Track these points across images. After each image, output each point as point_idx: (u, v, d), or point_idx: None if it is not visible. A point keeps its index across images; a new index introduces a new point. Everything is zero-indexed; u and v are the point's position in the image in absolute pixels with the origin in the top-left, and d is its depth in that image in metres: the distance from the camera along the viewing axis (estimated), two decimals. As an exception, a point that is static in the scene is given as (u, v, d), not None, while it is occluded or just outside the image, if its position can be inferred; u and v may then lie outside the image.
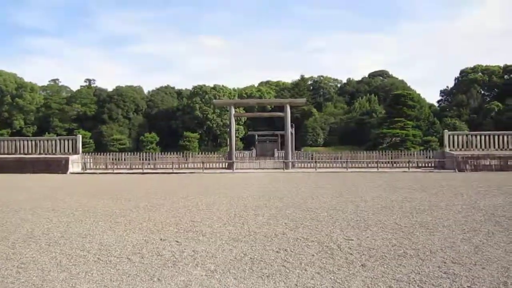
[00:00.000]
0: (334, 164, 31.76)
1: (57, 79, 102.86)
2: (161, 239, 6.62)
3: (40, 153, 32.75)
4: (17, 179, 22.51)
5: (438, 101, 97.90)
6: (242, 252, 5.73)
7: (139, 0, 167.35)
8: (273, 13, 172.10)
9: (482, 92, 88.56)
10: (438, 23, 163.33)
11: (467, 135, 31.63)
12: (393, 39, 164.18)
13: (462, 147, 30.98)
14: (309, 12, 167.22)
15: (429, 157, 32.13)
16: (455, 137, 31.48)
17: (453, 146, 31.22)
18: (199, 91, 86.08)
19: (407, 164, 30.37)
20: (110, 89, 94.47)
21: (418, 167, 31.05)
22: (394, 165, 31.41)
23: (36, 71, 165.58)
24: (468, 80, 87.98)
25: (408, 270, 4.88)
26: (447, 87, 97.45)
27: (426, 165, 31.45)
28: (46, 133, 73.24)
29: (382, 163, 31.12)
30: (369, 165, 31.54)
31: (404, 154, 32.69)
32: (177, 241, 6.46)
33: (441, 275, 4.71)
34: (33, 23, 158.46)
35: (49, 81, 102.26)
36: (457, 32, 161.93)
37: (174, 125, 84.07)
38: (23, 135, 69.81)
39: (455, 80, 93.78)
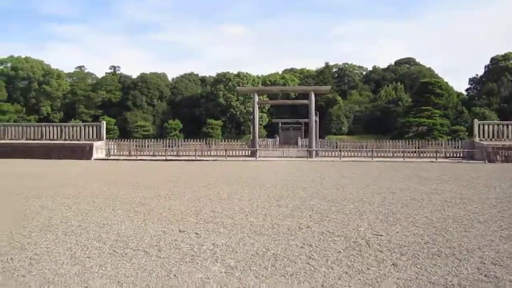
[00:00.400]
0: (359, 153, 31.20)
1: (83, 66, 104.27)
2: (180, 231, 6.35)
3: (65, 139, 33.08)
4: (42, 165, 22.69)
5: (466, 90, 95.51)
6: (264, 247, 5.42)
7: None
8: (296, 1, 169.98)
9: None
10: (467, 10, 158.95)
11: (497, 125, 30.59)
12: (420, 27, 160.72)
13: (493, 137, 30.00)
14: (333, 0, 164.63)
15: (458, 147, 31.26)
16: (485, 126, 30.49)
17: (483, 136, 30.26)
18: (222, 78, 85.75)
19: (435, 154, 29.61)
20: (134, 76, 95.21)
21: (446, 157, 30.25)
22: (421, 155, 30.67)
23: (60, 57, 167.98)
24: (498, 68, 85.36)
25: (444, 272, 4.49)
26: (477, 75, 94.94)
27: (454, 155, 30.60)
28: (72, 119, 74.24)
29: (408, 152, 30.40)
30: (395, 154, 30.87)
31: (432, 144, 31.88)
32: (197, 233, 6.18)
33: (481, 278, 4.30)
34: (57, 10, 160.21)
35: (75, 68, 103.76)
36: (486, 19, 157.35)
37: (198, 112, 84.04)
38: (50, 121, 70.89)
39: (485, 68, 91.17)
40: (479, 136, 30.19)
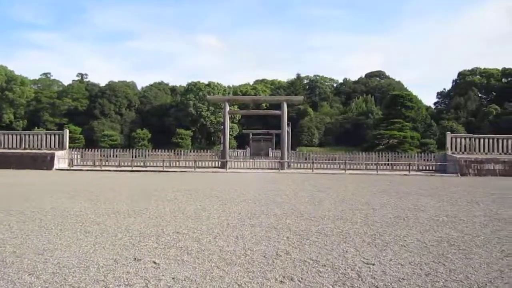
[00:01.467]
0: (332, 165, 30.59)
1: (49, 73, 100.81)
2: (135, 259, 5.31)
3: (25, 148, 31.32)
4: (-4, 175, 21.13)
5: (434, 103, 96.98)
6: (236, 282, 4.44)
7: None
8: (269, 12, 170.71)
9: (480, 95, 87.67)
10: (435, 25, 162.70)
11: (470, 138, 30.50)
12: (389, 41, 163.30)
13: (465, 150, 29.88)
14: (305, 12, 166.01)
15: (429, 159, 31.06)
16: (458, 139, 30.37)
17: (455, 149, 30.11)
18: (193, 88, 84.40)
19: (407, 167, 29.27)
20: (102, 84, 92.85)
21: (418, 170, 29.95)
22: (394, 167, 30.30)
23: (30, 66, 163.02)
24: (466, 82, 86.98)
25: (460, 316, 3.62)
26: (444, 89, 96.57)
27: (427, 168, 30.36)
28: (36, 127, 71.40)
29: (382, 165, 29.97)
30: (368, 167, 30.42)
31: (404, 156, 31.55)
32: (155, 262, 5.15)
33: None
34: (29, 18, 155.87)
35: (41, 75, 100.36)
36: (454, 34, 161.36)
37: (167, 121, 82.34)
38: (12, 129, 68.07)
39: (452, 82, 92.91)
40: (451, 149, 30.02)
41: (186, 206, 10.40)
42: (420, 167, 30.29)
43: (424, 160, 30.92)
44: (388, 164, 30.40)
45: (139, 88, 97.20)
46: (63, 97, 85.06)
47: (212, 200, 11.68)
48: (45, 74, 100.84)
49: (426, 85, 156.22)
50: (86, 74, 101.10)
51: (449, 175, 27.19)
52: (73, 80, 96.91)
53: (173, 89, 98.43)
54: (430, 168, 30.23)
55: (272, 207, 10.47)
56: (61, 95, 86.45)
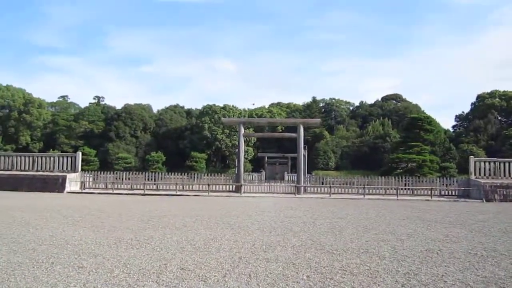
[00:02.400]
0: (349, 190, 29.54)
1: (66, 96, 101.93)
2: (129, 304, 4.49)
3: (37, 171, 30.92)
4: (6, 198, 20.58)
5: (453, 127, 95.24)
6: None
7: (154, 21, 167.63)
8: (283, 37, 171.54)
9: (500, 118, 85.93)
10: (451, 49, 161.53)
11: (494, 162, 29.22)
12: (406, 64, 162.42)
13: (489, 175, 28.63)
14: (319, 37, 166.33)
15: (449, 184, 29.78)
16: (482, 163, 29.14)
17: (479, 174, 28.88)
18: (208, 111, 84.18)
19: (429, 192, 28.09)
20: (119, 107, 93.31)
21: (440, 195, 28.73)
22: (414, 192, 29.11)
23: (48, 89, 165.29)
24: (485, 105, 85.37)
25: None
26: (463, 112, 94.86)
27: (449, 193, 29.11)
28: (51, 149, 71.57)
29: (401, 189, 28.80)
30: (387, 191, 29.31)
31: (426, 181, 30.34)
32: (151, 309, 4.32)
33: None
34: (49, 41, 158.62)
35: (58, 98, 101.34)
36: (471, 57, 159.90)
37: (182, 145, 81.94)
38: (29, 151, 68.29)
39: (471, 105, 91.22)
40: (475, 174, 28.79)
41: (195, 235, 9.57)
42: (442, 192, 29.05)
43: (445, 185, 29.64)
44: (408, 189, 29.22)
45: (154, 111, 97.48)
46: (79, 120, 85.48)
47: (224, 228, 10.84)
48: (63, 97, 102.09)
49: (444, 109, 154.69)
50: (102, 97, 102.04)
51: (473, 200, 25.95)
52: (89, 103, 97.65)
53: (189, 112, 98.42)
54: (453, 193, 28.96)
55: (289, 237, 9.59)
56: (78, 117, 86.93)
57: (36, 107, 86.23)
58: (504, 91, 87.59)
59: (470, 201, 25.54)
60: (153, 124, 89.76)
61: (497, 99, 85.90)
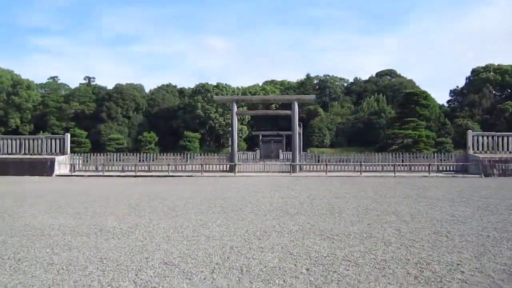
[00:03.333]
0: (345, 167, 28.94)
1: (56, 77, 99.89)
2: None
3: (25, 154, 30.07)
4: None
5: (448, 101, 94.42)
6: None
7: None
8: (276, 13, 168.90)
9: (494, 92, 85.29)
10: (445, 23, 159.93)
11: (492, 137, 28.62)
12: (399, 40, 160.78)
13: (488, 149, 28.08)
14: (312, 13, 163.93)
15: (447, 159, 29.20)
16: (480, 138, 28.55)
17: (477, 149, 28.33)
18: (201, 89, 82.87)
19: (427, 168, 27.55)
20: (110, 87, 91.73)
21: (438, 171, 28.20)
22: (412, 168, 28.56)
23: (39, 71, 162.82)
24: (479, 79, 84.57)
25: None
26: (457, 87, 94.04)
27: (447, 168, 28.58)
28: (41, 131, 70.32)
29: (399, 166, 28.22)
30: (384, 168, 28.74)
31: (423, 157, 29.76)
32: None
33: None
34: (38, 23, 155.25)
35: (48, 79, 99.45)
36: (465, 31, 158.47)
37: (175, 124, 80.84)
38: (19, 134, 67.05)
39: (466, 79, 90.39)
40: (473, 149, 28.24)
41: (184, 221, 8.87)
42: (440, 168, 28.52)
43: (443, 160, 29.09)
44: (405, 165, 28.66)
45: (146, 90, 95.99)
46: (70, 101, 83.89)
47: (216, 212, 10.15)
48: (53, 78, 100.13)
49: (438, 84, 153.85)
50: (93, 78, 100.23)
51: (472, 176, 25.46)
52: (80, 84, 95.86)
53: (181, 91, 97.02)
54: (450, 168, 28.44)
55: (286, 220, 8.92)
56: (68, 98, 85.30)
57: (25, 88, 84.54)
58: (498, 65, 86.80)
59: (469, 177, 25.03)
60: (146, 104, 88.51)
61: (491, 73, 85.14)
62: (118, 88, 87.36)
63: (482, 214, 9.87)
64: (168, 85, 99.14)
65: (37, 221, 8.91)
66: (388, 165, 28.41)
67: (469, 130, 29.90)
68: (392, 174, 26.45)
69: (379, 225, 8.41)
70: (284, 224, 8.48)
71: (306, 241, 6.85)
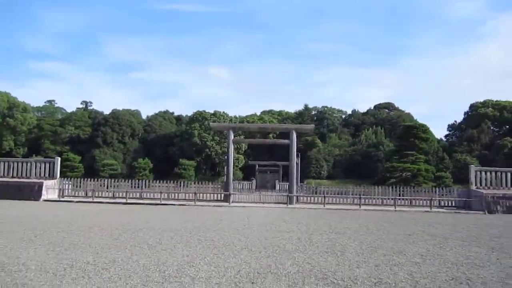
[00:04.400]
0: (344, 200, 27.96)
1: (53, 100, 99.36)
2: None
3: (12, 177, 29.01)
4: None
5: (445, 136, 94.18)
6: None
7: (148, 28, 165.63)
8: (275, 47, 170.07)
9: (493, 128, 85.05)
10: (443, 60, 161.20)
11: (495, 172, 27.82)
12: (398, 75, 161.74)
13: (491, 185, 27.21)
14: (311, 47, 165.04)
15: (447, 194, 28.25)
16: (483, 173, 27.72)
17: (480, 184, 27.47)
18: (198, 117, 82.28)
19: (427, 202, 26.62)
20: (107, 112, 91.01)
21: (439, 206, 27.25)
22: (412, 203, 27.58)
23: (36, 94, 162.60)
24: (478, 114, 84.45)
25: None
26: (455, 121, 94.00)
27: (448, 203, 27.62)
28: (34, 155, 69.13)
29: (399, 200, 27.26)
30: (384, 202, 27.78)
31: (424, 191, 28.81)
32: None
33: None
34: (40, 47, 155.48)
35: (45, 102, 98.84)
36: (464, 67, 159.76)
37: (171, 151, 79.85)
38: (12, 157, 65.88)
39: (464, 114, 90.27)
40: (475, 184, 27.37)
41: (168, 256, 7.89)
42: (441, 203, 27.59)
43: (444, 195, 28.15)
44: (405, 199, 27.69)
45: (144, 117, 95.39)
46: (65, 125, 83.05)
47: (206, 247, 9.17)
48: (49, 101, 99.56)
49: (436, 118, 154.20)
50: (90, 102, 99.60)
51: (475, 212, 24.50)
52: (77, 108, 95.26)
53: (179, 118, 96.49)
54: (452, 204, 27.50)
55: (283, 259, 7.95)
56: (64, 122, 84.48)
57: (21, 111, 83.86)
58: (497, 101, 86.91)
59: (472, 213, 24.08)
60: (142, 130, 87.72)
61: (490, 108, 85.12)
62: (115, 113, 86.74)
63: (499, 257, 8.95)
64: (166, 112, 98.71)
65: (2, 252, 7.92)
66: (388, 198, 27.47)
67: (472, 165, 29.10)
68: (392, 208, 25.50)
69: (388, 267, 7.46)
70: (281, 263, 7.51)
71: (306, 286, 5.89)
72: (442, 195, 28.07)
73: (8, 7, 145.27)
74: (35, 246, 8.73)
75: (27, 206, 21.29)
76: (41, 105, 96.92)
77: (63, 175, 30.18)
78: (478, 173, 27.74)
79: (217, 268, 6.94)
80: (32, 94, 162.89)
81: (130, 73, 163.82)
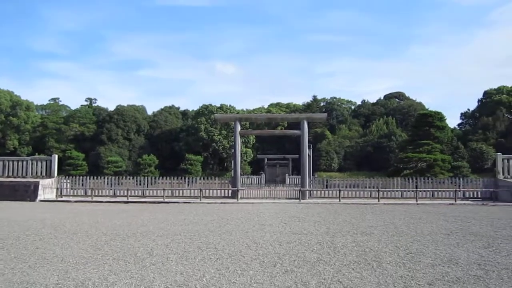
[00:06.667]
0: (360, 193, 26.04)
1: (58, 98, 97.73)
2: None
3: (8, 176, 27.43)
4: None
5: (459, 125, 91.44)
6: None
7: (154, 25, 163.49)
8: (286, 39, 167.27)
9: (507, 115, 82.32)
10: (453, 48, 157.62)
11: (525, 160, 25.75)
12: (408, 64, 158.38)
13: (518, 174, 25.18)
14: (321, 38, 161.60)
15: (468, 184, 26.24)
16: (511, 162, 25.66)
17: (508, 173, 25.45)
18: (205, 111, 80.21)
19: (451, 194, 24.66)
20: (112, 109, 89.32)
21: (464, 198, 25.27)
22: (434, 194, 25.60)
23: (40, 92, 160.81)
24: (492, 102, 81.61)
25: None
26: (468, 110, 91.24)
27: (473, 195, 25.62)
28: (37, 153, 67.63)
29: (422, 192, 25.29)
30: (404, 194, 25.85)
31: (447, 182, 26.77)
32: None
33: None
34: (48, 47, 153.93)
35: (49, 100, 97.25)
36: (474, 54, 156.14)
37: (177, 147, 77.93)
38: (17, 156, 64.50)
39: (478, 102, 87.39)
40: (503, 173, 25.35)
41: (156, 276, 6.06)
42: (466, 195, 25.62)
43: (466, 185, 26.14)
44: (427, 191, 25.72)
45: (149, 112, 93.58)
46: (69, 123, 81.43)
47: (207, 258, 7.34)
48: (54, 99, 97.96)
49: (447, 106, 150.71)
50: (95, 99, 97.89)
51: (504, 204, 22.47)
52: (81, 105, 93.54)
53: (184, 113, 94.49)
54: (477, 195, 25.52)
55: (304, 274, 6.10)
56: (68, 120, 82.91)
57: (24, 109, 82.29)
58: (511, 87, 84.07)
59: (501, 205, 22.05)
60: (147, 126, 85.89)
61: (504, 95, 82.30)
62: (119, 110, 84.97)
63: None
64: (171, 107, 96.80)
65: None
66: (409, 191, 25.54)
67: (498, 153, 26.98)
68: (413, 201, 23.59)
69: (446, 286, 5.58)
70: (303, 283, 5.66)
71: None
72: (469, 185, 26.09)
73: (14, 6, 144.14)
74: (9, 257, 6.97)
75: (19, 208, 19.62)
76: (45, 103, 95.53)
77: (66, 173, 28.51)
78: (506, 161, 25.70)
79: (219, 285, 5.11)
80: (38, 93, 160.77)
81: (136, 71, 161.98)
